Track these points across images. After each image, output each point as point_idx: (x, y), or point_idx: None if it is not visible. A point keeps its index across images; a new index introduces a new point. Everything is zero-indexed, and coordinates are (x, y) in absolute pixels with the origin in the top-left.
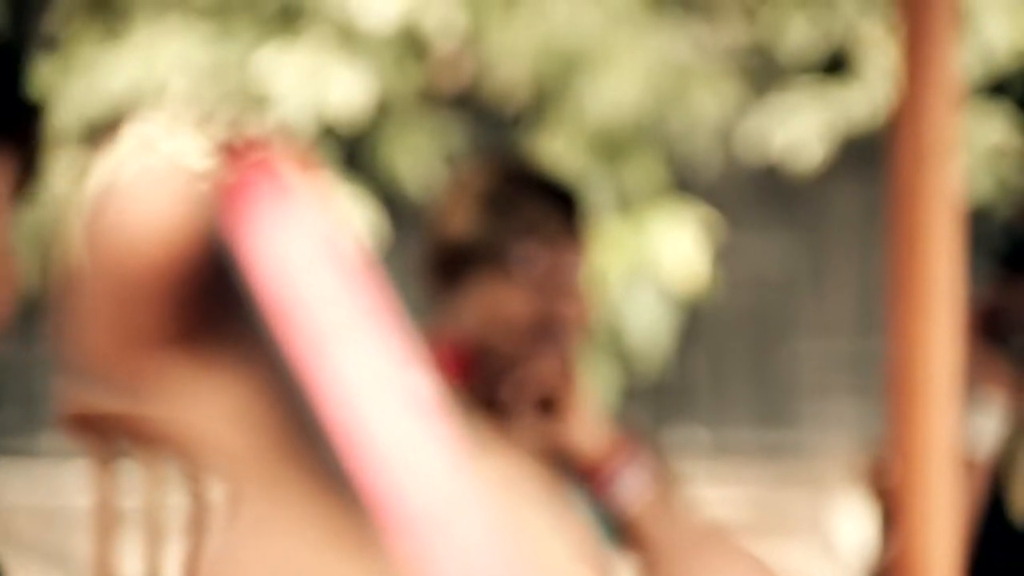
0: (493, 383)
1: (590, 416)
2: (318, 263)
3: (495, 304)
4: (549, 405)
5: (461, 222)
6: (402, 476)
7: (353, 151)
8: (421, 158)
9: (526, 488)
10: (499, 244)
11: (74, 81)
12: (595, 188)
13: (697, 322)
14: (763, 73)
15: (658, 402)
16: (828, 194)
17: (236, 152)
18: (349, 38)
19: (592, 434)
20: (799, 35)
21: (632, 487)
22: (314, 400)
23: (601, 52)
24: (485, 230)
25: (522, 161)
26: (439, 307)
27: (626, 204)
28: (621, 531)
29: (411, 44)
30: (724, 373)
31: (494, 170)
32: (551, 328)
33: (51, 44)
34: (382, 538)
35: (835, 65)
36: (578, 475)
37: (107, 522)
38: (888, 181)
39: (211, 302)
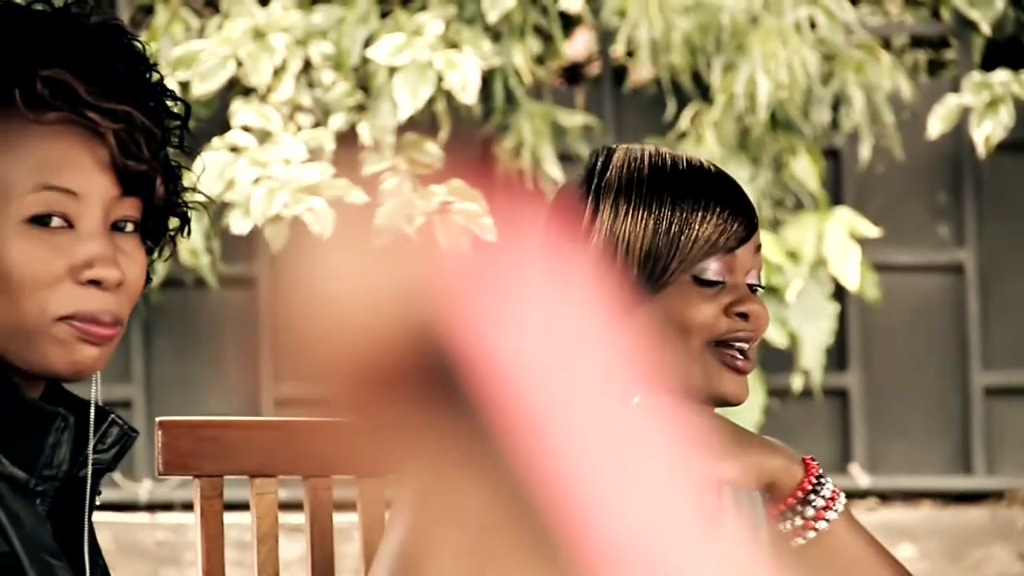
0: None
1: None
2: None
3: (675, 319)
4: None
5: (631, 231)
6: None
7: (475, 137)
8: (554, 147)
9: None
10: (679, 259)
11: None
12: (747, 184)
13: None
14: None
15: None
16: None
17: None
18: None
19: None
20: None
21: (827, 503)
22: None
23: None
24: (661, 243)
25: (683, 158)
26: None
27: (780, 203)
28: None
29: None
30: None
31: (656, 169)
32: (732, 342)
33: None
34: None
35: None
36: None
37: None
38: None
39: (435, 378)
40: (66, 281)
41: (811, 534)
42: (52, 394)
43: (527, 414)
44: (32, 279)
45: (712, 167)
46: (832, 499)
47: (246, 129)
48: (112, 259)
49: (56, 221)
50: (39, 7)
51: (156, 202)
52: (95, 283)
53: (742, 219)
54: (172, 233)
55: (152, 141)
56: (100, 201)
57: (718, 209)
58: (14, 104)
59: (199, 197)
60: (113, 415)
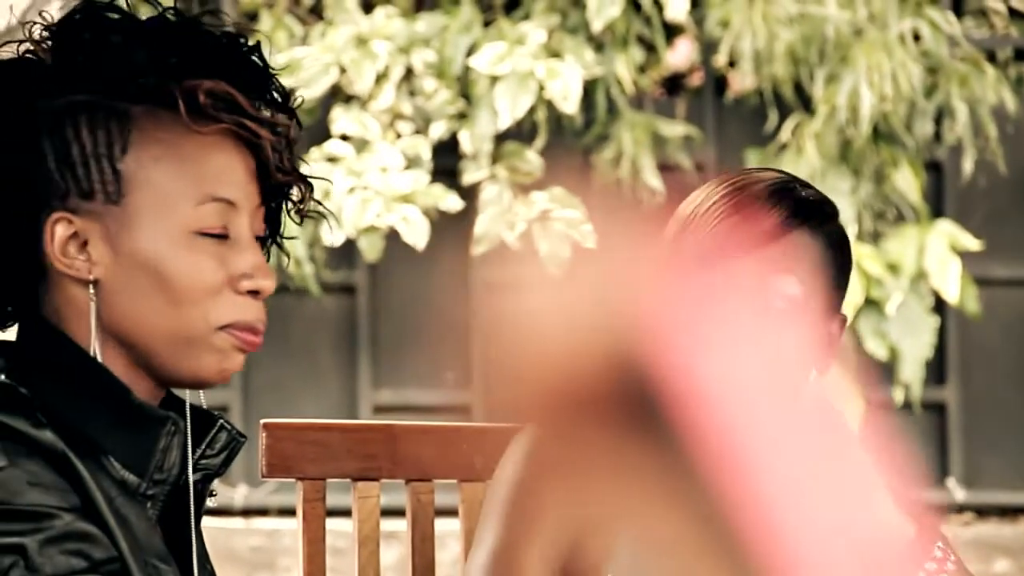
0: None
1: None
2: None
3: None
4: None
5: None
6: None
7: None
8: (655, 157)
9: None
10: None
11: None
12: (847, 196)
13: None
14: None
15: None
16: None
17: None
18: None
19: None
20: None
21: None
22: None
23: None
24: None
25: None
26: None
27: (881, 215)
28: None
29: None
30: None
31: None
32: None
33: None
34: None
35: None
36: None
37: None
38: None
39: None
40: (226, 291)
41: None
42: (162, 399)
43: (727, 438)
44: (196, 289)
45: (773, 180)
46: (943, 559)
47: (344, 138)
48: (267, 269)
49: (217, 231)
50: (169, 17)
51: (301, 212)
52: (252, 293)
53: (754, 228)
54: (278, 241)
55: (292, 151)
56: (249, 211)
57: (725, 216)
58: (175, 114)
59: (318, 208)
60: (222, 420)
